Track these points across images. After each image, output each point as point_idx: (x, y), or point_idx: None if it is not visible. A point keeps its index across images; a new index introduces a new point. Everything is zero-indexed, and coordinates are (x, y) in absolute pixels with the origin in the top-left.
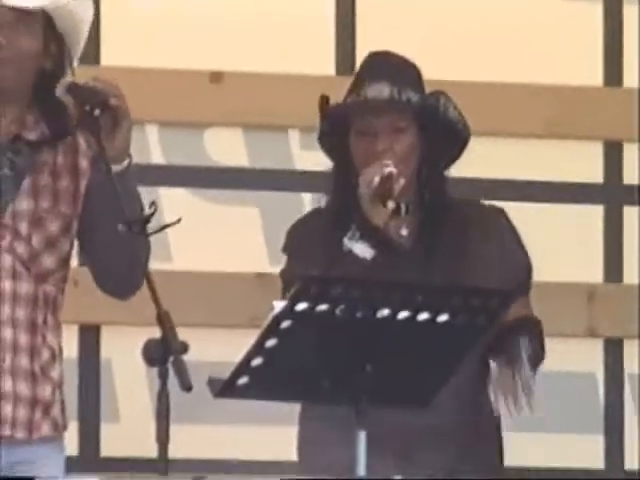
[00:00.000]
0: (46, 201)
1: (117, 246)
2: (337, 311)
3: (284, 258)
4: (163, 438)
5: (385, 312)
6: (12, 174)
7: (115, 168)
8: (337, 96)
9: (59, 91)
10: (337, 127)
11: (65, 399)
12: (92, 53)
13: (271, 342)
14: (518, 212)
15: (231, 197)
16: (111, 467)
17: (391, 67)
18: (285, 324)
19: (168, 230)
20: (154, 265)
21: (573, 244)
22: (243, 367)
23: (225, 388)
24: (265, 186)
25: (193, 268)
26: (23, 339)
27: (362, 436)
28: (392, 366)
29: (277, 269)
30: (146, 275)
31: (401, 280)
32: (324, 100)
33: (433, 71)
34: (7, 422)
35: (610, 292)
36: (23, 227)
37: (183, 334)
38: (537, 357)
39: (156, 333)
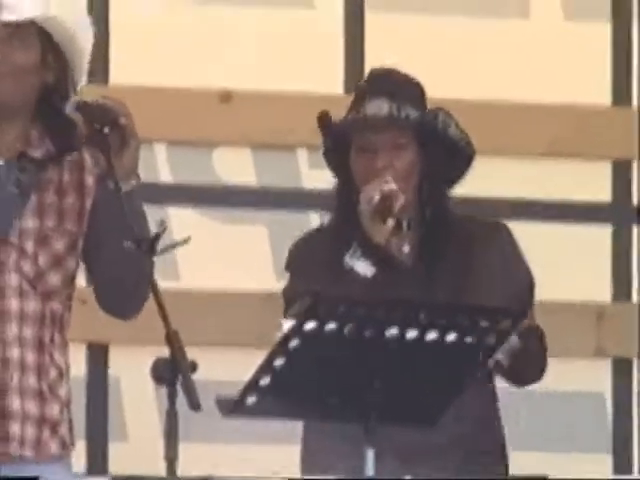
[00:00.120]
0: (52, 219)
1: (123, 265)
2: (345, 330)
3: (287, 276)
4: (171, 457)
5: (393, 331)
6: (18, 192)
7: (123, 187)
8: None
9: (68, 109)
10: (338, 144)
11: (73, 417)
12: (101, 72)
13: (279, 361)
14: (526, 232)
15: (239, 216)
16: None
17: (391, 84)
18: (293, 343)
19: (176, 249)
20: (162, 284)
21: (581, 264)
22: (252, 386)
23: (234, 407)
24: (273, 205)
25: (201, 287)
26: (30, 358)
27: (370, 454)
28: (400, 385)
29: None
30: (155, 294)
31: (408, 299)
32: (324, 116)
33: (440, 90)
34: (15, 441)
35: (618, 312)
36: (29, 246)
37: (192, 353)
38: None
39: (165, 352)
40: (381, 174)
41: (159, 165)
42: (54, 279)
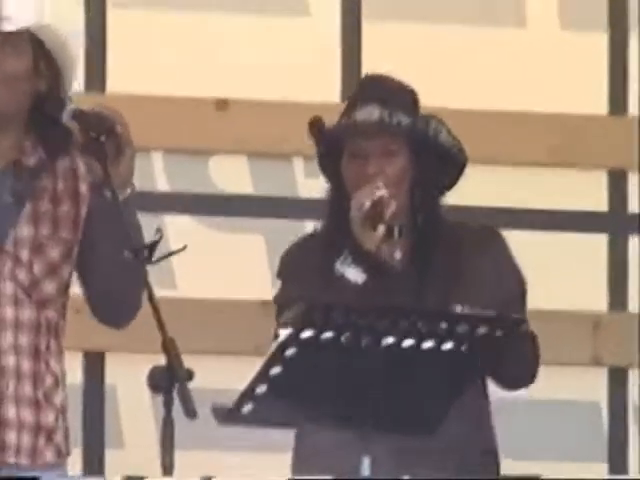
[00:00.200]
0: (47, 227)
1: (117, 274)
2: (342, 339)
3: (279, 283)
4: (168, 465)
5: (390, 340)
6: (13, 201)
7: (120, 195)
8: None
9: (65, 117)
10: (330, 150)
11: (69, 425)
12: (98, 81)
13: (276, 370)
14: (523, 240)
15: (236, 224)
16: None
17: (383, 90)
18: (290, 352)
19: (173, 257)
20: (159, 292)
21: (578, 273)
22: (248, 394)
23: (230, 415)
24: (270, 214)
25: (198, 295)
26: (26, 366)
27: (366, 462)
28: (397, 393)
29: None
30: (152, 302)
31: (406, 307)
32: (316, 122)
33: (437, 99)
34: (11, 449)
35: (615, 321)
36: (24, 254)
37: (188, 361)
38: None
39: (161, 360)
40: (372, 180)
41: (156, 173)
42: (49, 287)
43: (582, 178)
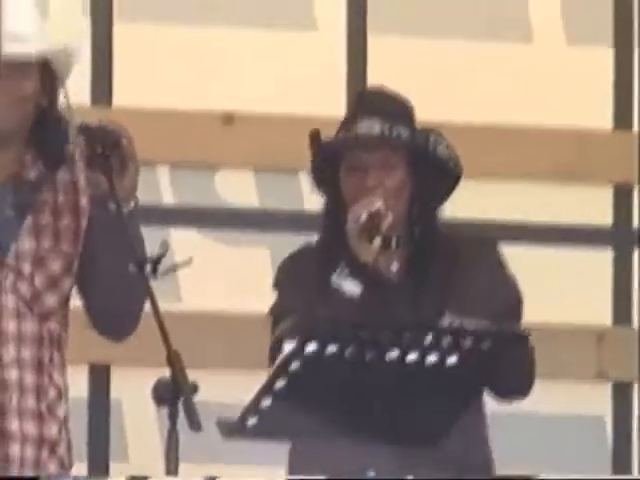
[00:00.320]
0: (48, 240)
1: (119, 286)
2: (346, 353)
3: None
4: (172, 478)
5: (394, 355)
6: (14, 214)
7: (124, 208)
8: None
9: (71, 132)
10: (328, 163)
11: (73, 438)
12: (104, 94)
13: (280, 383)
14: (527, 255)
15: (242, 238)
16: None
17: (383, 103)
18: (294, 365)
19: (178, 271)
20: (164, 305)
21: (582, 287)
22: (252, 408)
23: (234, 429)
24: (275, 227)
25: (203, 309)
26: (29, 379)
27: (371, 476)
28: (401, 406)
29: None
30: (157, 315)
31: (411, 321)
32: (315, 135)
33: (443, 114)
34: (15, 462)
35: (619, 335)
36: (26, 267)
37: (193, 375)
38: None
39: (166, 373)
40: (371, 193)
41: (162, 187)
42: (50, 300)
43: (587, 192)
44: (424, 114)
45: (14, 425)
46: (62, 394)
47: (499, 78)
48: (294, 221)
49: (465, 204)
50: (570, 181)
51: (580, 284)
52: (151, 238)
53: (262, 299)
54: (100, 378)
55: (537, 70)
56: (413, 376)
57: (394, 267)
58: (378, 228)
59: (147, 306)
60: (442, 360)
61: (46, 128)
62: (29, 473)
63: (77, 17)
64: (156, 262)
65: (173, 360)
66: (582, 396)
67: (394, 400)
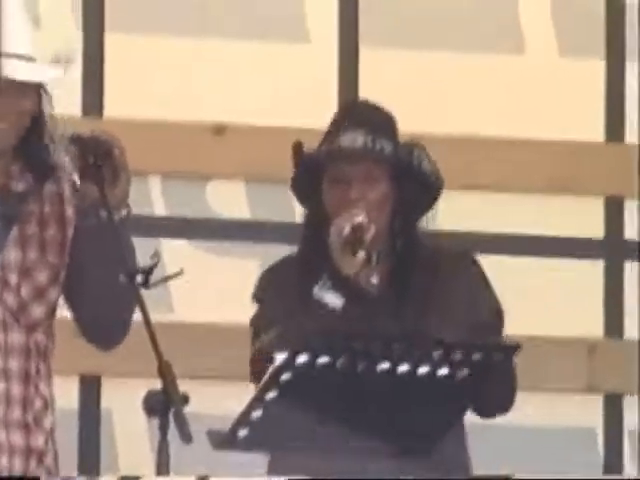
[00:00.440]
0: (34, 251)
1: (109, 296)
2: (337, 364)
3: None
4: None
5: (385, 366)
6: (0, 225)
7: (115, 217)
8: None
9: (62, 142)
10: (310, 175)
11: (64, 449)
12: (96, 105)
13: (271, 394)
14: (518, 267)
15: (233, 249)
16: None
17: (366, 116)
18: (285, 376)
19: (170, 281)
20: (155, 316)
21: (573, 299)
22: (243, 419)
23: (225, 440)
24: (267, 239)
25: (194, 320)
26: (16, 390)
27: None
28: (392, 417)
29: None
30: (148, 326)
31: (401, 334)
32: (298, 147)
33: (435, 126)
34: (3, 472)
35: (610, 347)
36: (12, 278)
37: (184, 386)
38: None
39: (157, 384)
40: (354, 205)
41: (153, 197)
42: (37, 311)
43: (579, 204)
44: (416, 126)
45: (1, 436)
46: (48, 405)
47: (491, 90)
48: (285, 232)
49: (457, 216)
50: (561, 193)
51: (571, 296)
52: (142, 248)
53: (253, 310)
54: (91, 389)
55: (529, 82)
56: (404, 387)
57: (374, 280)
58: (361, 241)
59: (138, 316)
60: (433, 371)
61: (33, 139)
62: None
63: (69, 27)
64: (147, 272)
65: (164, 371)
66: (573, 408)
67: (385, 411)
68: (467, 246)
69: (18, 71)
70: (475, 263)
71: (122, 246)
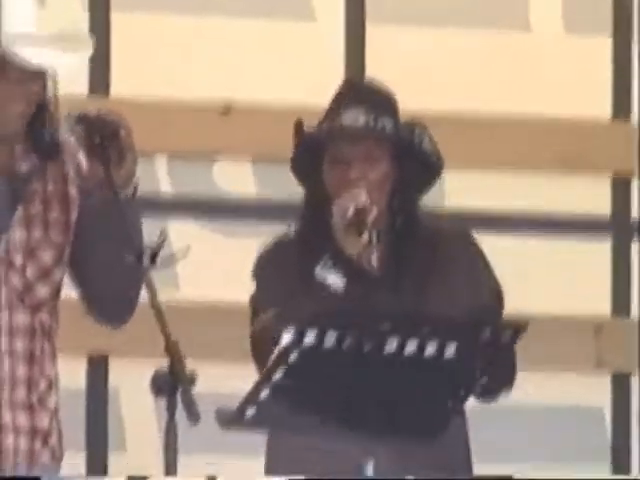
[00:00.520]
0: (38, 230)
1: (117, 275)
2: (344, 344)
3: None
4: (171, 469)
5: (392, 346)
6: (5, 206)
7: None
8: None
9: (69, 121)
10: (311, 154)
11: (72, 429)
12: (102, 84)
13: (278, 375)
14: (525, 245)
15: (239, 228)
16: None
17: (367, 95)
18: (293, 357)
19: (177, 261)
20: (162, 295)
21: (580, 278)
22: (251, 399)
23: (233, 420)
24: (273, 217)
25: (201, 299)
26: (21, 371)
27: (370, 467)
28: (399, 398)
29: None
30: (155, 305)
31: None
32: (298, 125)
33: (441, 103)
34: (10, 454)
35: (618, 326)
36: (17, 258)
37: (191, 365)
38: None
39: (164, 364)
40: (354, 185)
41: (160, 177)
42: (42, 291)
43: (585, 183)
44: (422, 103)
45: (6, 417)
46: (52, 384)
47: (497, 67)
48: (292, 211)
49: (463, 194)
50: (568, 171)
51: (579, 275)
52: (149, 228)
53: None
54: (98, 368)
55: (535, 59)
56: (412, 367)
57: (373, 260)
58: (365, 222)
59: (145, 296)
60: (441, 351)
61: (38, 121)
62: (23, 465)
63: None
64: (154, 252)
65: (171, 350)
66: (581, 387)
67: (392, 391)
68: (472, 224)
69: (33, 57)
70: (474, 243)
71: (128, 225)
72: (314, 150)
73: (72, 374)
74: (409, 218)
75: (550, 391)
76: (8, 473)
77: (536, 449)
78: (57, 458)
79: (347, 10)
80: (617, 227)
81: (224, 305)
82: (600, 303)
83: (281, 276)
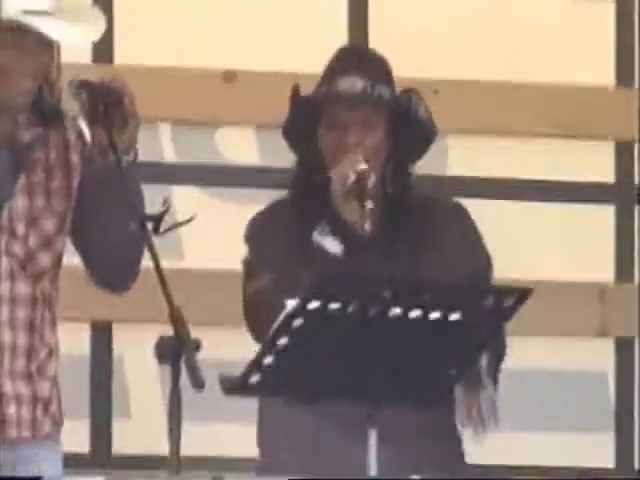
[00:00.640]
0: (40, 198)
1: (120, 241)
2: (349, 310)
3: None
4: (175, 436)
5: (397, 311)
6: (8, 175)
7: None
8: None
9: (72, 88)
10: (306, 118)
11: (74, 395)
12: (106, 52)
13: (283, 341)
14: (529, 212)
15: (242, 195)
16: (122, 464)
17: (363, 61)
18: (297, 323)
19: (180, 228)
20: (166, 262)
21: (584, 244)
22: (255, 365)
23: (237, 386)
24: (276, 185)
25: (205, 266)
26: (22, 340)
27: (373, 435)
28: (403, 365)
29: None
30: (159, 272)
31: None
32: (295, 90)
33: (443, 69)
34: (13, 422)
35: (621, 292)
36: (20, 227)
37: (195, 332)
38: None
39: (169, 330)
40: (351, 150)
41: (163, 144)
42: (44, 260)
43: (589, 149)
44: (424, 70)
45: (7, 386)
46: (52, 352)
47: (499, 32)
48: None
49: (466, 161)
50: (571, 137)
51: (582, 241)
52: (152, 195)
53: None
54: (102, 335)
55: (538, 25)
56: (416, 332)
57: (367, 226)
58: (364, 189)
59: (149, 263)
60: (445, 316)
61: (44, 91)
62: (26, 433)
63: None
64: (158, 219)
65: (175, 317)
66: (584, 353)
67: (397, 356)
68: (475, 191)
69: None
70: (467, 214)
71: (130, 192)
72: (310, 115)
73: (76, 341)
74: (401, 184)
75: (554, 356)
76: (11, 443)
77: (539, 415)
78: (57, 423)
79: None
80: (620, 193)
81: (228, 271)
82: (603, 269)
83: (276, 241)
